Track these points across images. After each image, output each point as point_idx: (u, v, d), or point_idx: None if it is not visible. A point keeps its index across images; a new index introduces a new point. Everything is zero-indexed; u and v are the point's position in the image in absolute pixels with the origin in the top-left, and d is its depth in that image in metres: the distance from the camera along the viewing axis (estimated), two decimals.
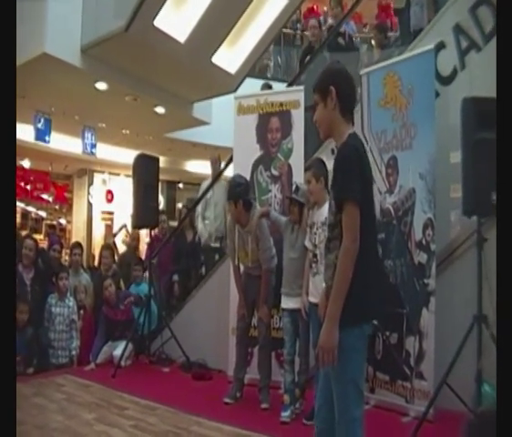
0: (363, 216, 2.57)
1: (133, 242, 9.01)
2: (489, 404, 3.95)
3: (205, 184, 8.76)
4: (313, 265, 4.73)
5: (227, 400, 5.46)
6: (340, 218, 2.61)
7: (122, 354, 6.72)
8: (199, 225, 8.47)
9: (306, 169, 5.01)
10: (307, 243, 4.94)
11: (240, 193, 5.36)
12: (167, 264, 8.59)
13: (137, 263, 8.26)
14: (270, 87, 8.61)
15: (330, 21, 9.39)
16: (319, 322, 3.28)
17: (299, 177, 5.65)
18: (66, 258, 9.88)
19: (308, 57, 8.15)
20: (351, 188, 2.56)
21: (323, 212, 4.55)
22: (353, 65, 6.76)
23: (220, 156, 8.58)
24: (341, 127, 2.75)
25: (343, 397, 2.61)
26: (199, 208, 8.52)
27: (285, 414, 4.98)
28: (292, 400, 5.09)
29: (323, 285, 3.82)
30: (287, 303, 5.22)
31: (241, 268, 5.75)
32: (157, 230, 9.03)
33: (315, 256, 4.74)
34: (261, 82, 9.71)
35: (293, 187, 5.51)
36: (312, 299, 4.62)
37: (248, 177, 6.12)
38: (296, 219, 5.20)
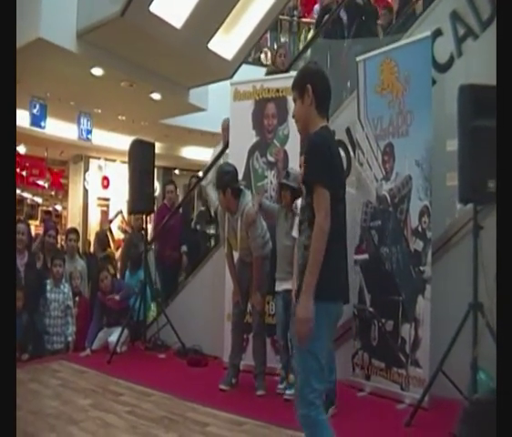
0: (331, 202, 2.72)
1: (137, 222, 8.92)
2: (485, 392, 3.97)
3: (216, 151, 8.62)
4: None
5: (222, 386, 5.46)
6: (309, 202, 2.79)
7: (118, 340, 6.72)
8: (210, 192, 8.33)
9: (301, 154, 5.02)
10: (295, 233, 4.95)
11: (229, 181, 5.35)
12: (175, 235, 8.53)
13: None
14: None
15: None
16: None
17: (295, 163, 5.63)
18: (62, 243, 9.86)
19: (326, 17, 8.05)
20: (320, 172, 2.75)
21: None
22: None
23: None
24: (316, 121, 2.94)
25: (304, 368, 2.77)
26: (210, 176, 8.39)
27: (280, 386, 5.29)
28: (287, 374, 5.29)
29: None
30: (281, 286, 5.30)
31: (236, 254, 5.74)
32: (166, 200, 9.05)
33: None
34: (257, 68, 9.62)
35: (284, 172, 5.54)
36: None
37: (244, 164, 6.13)
38: (288, 204, 5.25)
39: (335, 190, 2.77)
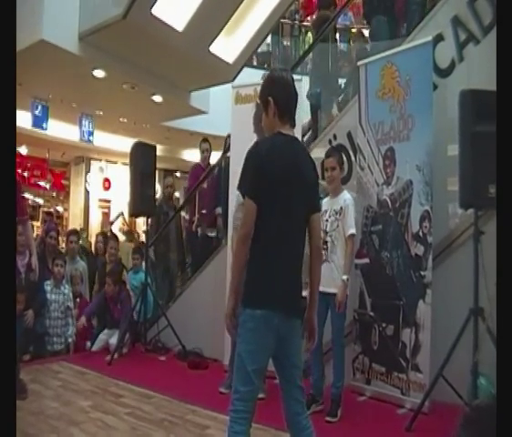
0: (265, 211, 2.79)
1: (167, 189, 8.90)
2: (485, 397, 3.97)
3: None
4: (323, 252, 4.65)
5: (222, 389, 5.44)
6: None
7: (118, 343, 6.74)
8: None
9: (328, 156, 5.04)
10: None
11: None
12: (209, 197, 8.37)
13: (135, 251, 8.24)
14: None
15: None
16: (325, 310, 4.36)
17: None
18: (63, 245, 9.87)
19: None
20: (245, 184, 2.88)
21: (339, 200, 4.82)
22: None
23: None
24: (278, 129, 2.98)
25: (235, 367, 2.91)
26: None
27: None
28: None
29: (336, 273, 4.61)
30: None
31: None
32: (200, 161, 9.05)
33: (325, 243, 4.76)
34: (259, 72, 9.59)
35: None
36: (320, 288, 4.60)
37: None
38: None
39: (271, 200, 2.80)
